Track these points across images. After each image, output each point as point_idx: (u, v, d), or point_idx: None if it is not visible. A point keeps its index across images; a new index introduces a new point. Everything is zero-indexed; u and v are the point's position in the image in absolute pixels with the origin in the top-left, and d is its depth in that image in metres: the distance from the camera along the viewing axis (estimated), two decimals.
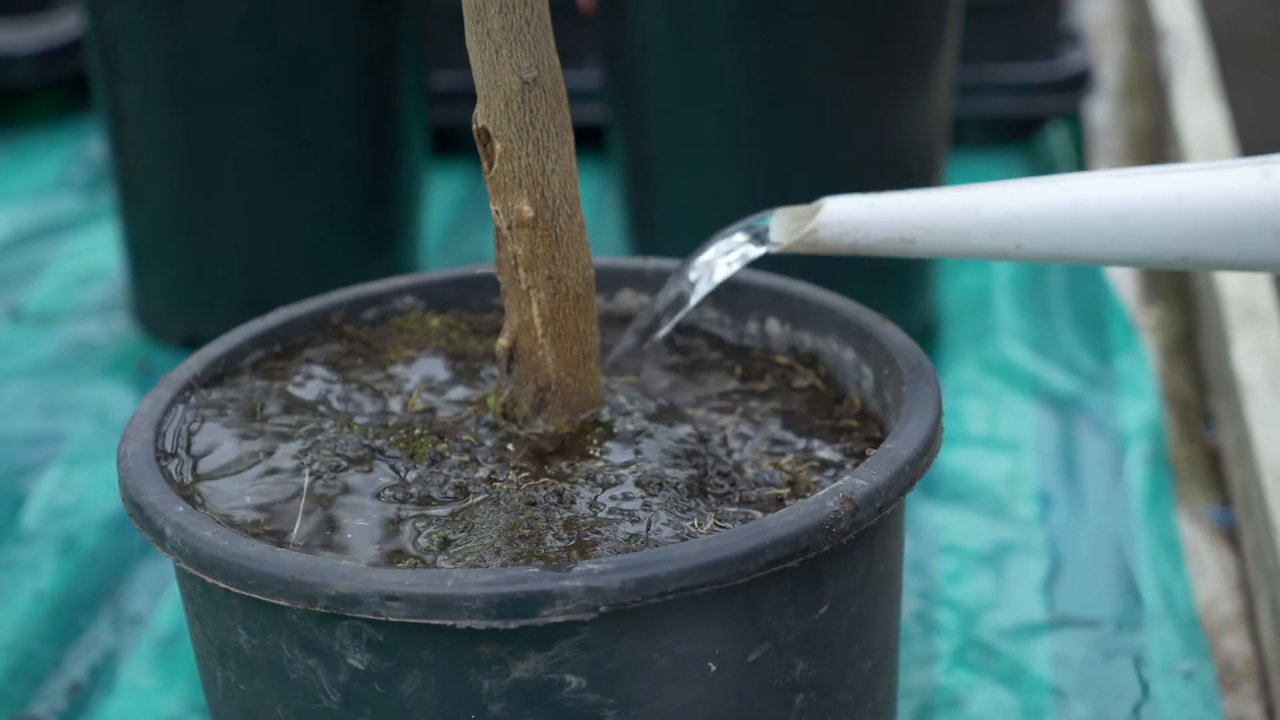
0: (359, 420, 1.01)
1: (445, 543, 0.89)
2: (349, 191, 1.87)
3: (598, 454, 0.96)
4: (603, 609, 0.81)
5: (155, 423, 0.98)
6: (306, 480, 0.95)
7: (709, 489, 0.93)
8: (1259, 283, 1.74)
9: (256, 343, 1.08)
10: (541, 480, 0.94)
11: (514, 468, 0.95)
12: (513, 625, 0.81)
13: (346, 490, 0.94)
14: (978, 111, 2.29)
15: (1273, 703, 1.34)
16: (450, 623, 0.81)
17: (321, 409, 1.02)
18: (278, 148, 1.83)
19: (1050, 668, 1.38)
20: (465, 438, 0.98)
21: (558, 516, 0.90)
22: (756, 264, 1.02)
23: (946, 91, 1.78)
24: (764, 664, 0.87)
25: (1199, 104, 2.17)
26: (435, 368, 1.07)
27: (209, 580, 0.86)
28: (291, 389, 1.04)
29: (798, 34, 1.67)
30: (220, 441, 0.99)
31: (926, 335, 1.87)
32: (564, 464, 0.95)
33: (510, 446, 0.97)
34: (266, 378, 1.05)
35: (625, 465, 0.95)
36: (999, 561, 1.52)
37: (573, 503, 0.91)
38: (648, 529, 0.89)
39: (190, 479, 0.96)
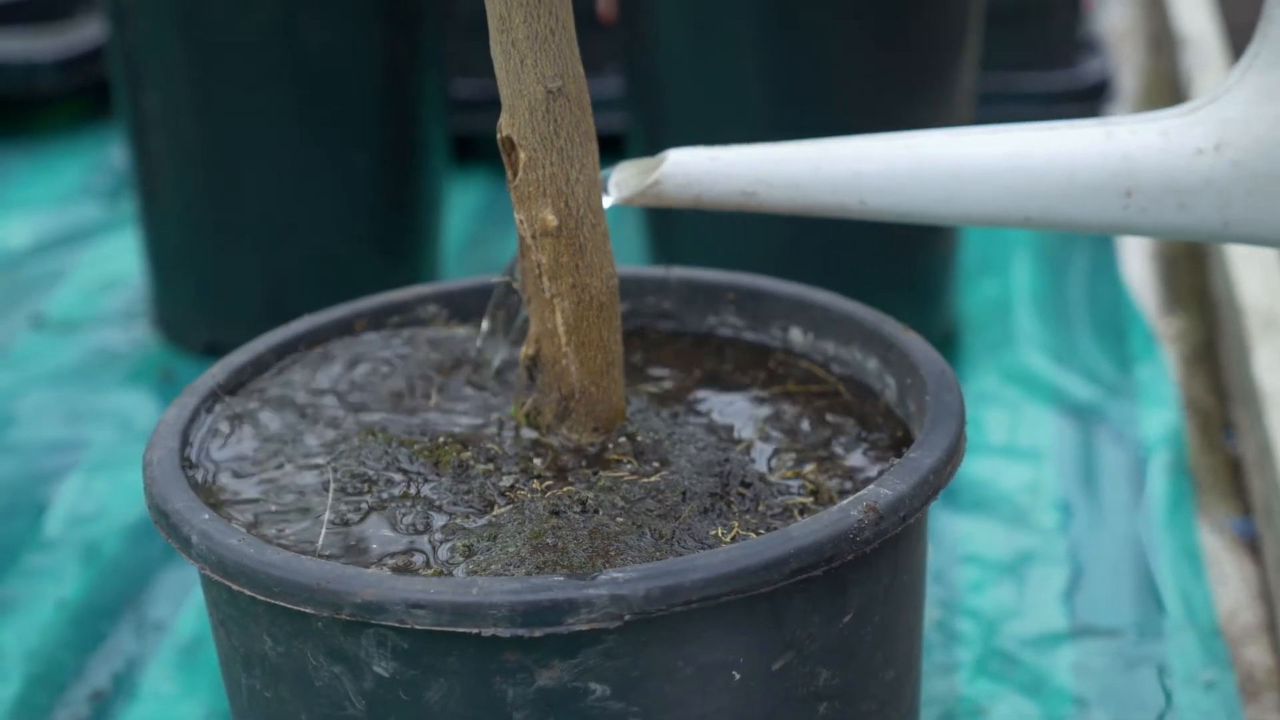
0: (383, 429, 1.01)
1: (470, 551, 0.89)
2: (370, 199, 1.88)
3: (621, 463, 0.96)
4: (627, 617, 0.82)
5: (180, 430, 0.99)
6: (331, 488, 0.95)
7: (732, 498, 0.93)
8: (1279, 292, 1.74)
9: (280, 351, 1.08)
10: (565, 489, 0.94)
11: (538, 476, 0.95)
12: (537, 633, 0.82)
13: (371, 499, 0.94)
14: (998, 120, 2.28)
15: None
16: (475, 631, 0.82)
17: (346, 417, 1.02)
18: (299, 156, 1.83)
19: (1072, 677, 1.38)
20: (489, 446, 0.98)
21: (582, 525, 0.90)
22: (776, 264, 1.01)
23: (967, 100, 1.78)
24: (788, 673, 0.87)
25: None
26: (459, 377, 1.07)
27: (234, 588, 0.87)
28: (316, 397, 1.04)
29: (819, 43, 1.67)
30: (244, 449, 0.99)
31: (947, 344, 1.87)
32: (588, 473, 0.95)
33: (534, 455, 0.97)
34: (291, 385, 1.06)
35: (649, 474, 0.95)
36: (1020, 571, 1.52)
37: (596, 511, 0.91)
38: (672, 538, 0.89)
39: (215, 486, 0.96)
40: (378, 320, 1.12)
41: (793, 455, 0.98)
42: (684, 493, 0.93)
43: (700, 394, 1.05)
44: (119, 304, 2.06)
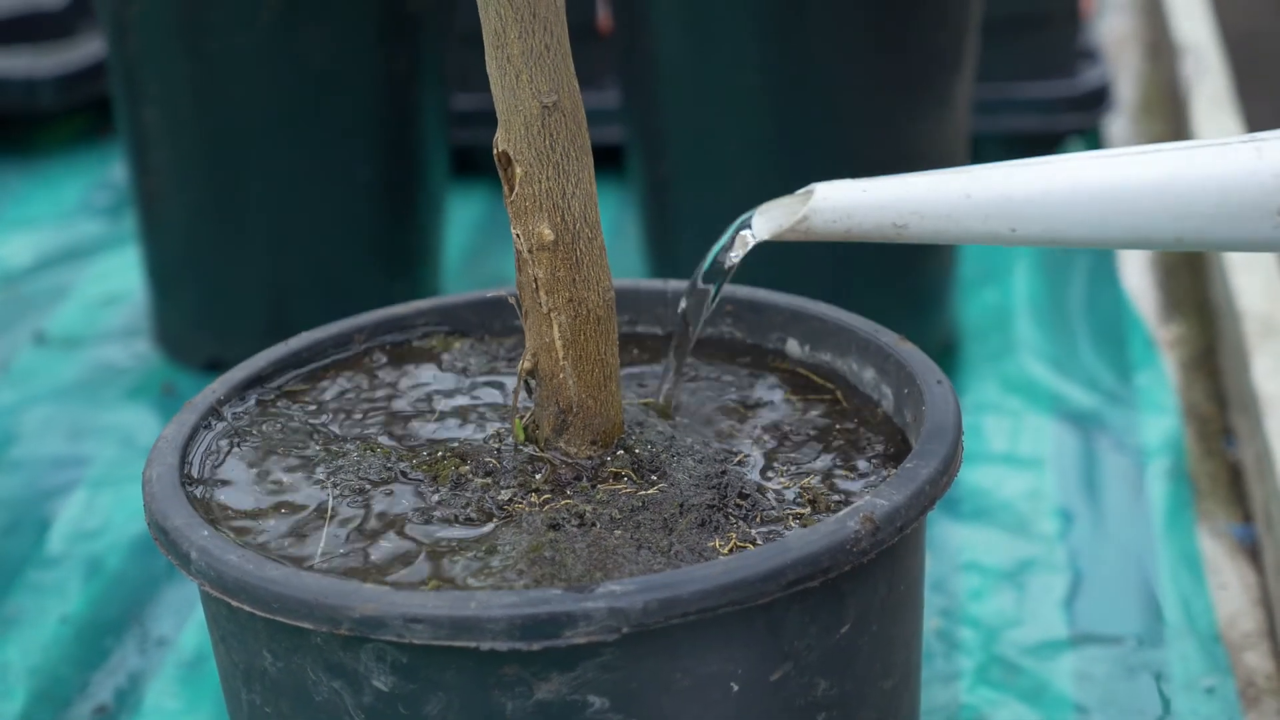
0: (382, 443, 1.01)
1: (468, 565, 0.89)
2: (371, 214, 1.88)
3: (619, 476, 0.96)
4: (625, 630, 0.82)
5: (180, 447, 0.99)
6: (330, 503, 0.95)
7: (730, 509, 0.94)
8: (1278, 299, 1.74)
9: (279, 366, 1.08)
10: (563, 502, 0.94)
11: (535, 490, 0.96)
12: (536, 647, 0.82)
13: (370, 513, 0.94)
14: (998, 129, 2.30)
15: None
16: (474, 644, 0.82)
17: (345, 432, 1.03)
18: (299, 171, 1.83)
19: (1072, 684, 1.38)
20: (487, 460, 0.98)
21: (579, 538, 0.91)
22: (777, 276, 1.00)
23: (966, 109, 1.78)
24: (786, 683, 0.88)
25: (1216, 120, 2.18)
26: (458, 390, 1.08)
27: (234, 603, 0.87)
28: (315, 412, 1.05)
29: (817, 54, 1.68)
30: (244, 465, 1.00)
31: (946, 353, 1.87)
32: (586, 486, 0.96)
33: (532, 469, 0.97)
34: (290, 401, 1.06)
35: (646, 487, 0.95)
36: (1020, 578, 1.52)
37: (594, 524, 0.92)
38: (669, 550, 0.90)
39: (214, 503, 0.96)
40: (376, 335, 1.12)
41: (790, 466, 0.98)
42: (681, 505, 0.93)
43: (697, 405, 1.05)
44: (121, 320, 2.07)
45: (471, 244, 2.23)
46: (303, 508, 0.95)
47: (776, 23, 1.67)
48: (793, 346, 1.10)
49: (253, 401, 1.06)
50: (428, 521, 0.93)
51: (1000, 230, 0.93)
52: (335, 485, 0.97)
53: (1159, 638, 1.43)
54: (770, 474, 0.98)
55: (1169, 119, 2.46)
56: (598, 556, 0.89)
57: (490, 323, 1.14)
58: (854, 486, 0.96)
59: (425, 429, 1.03)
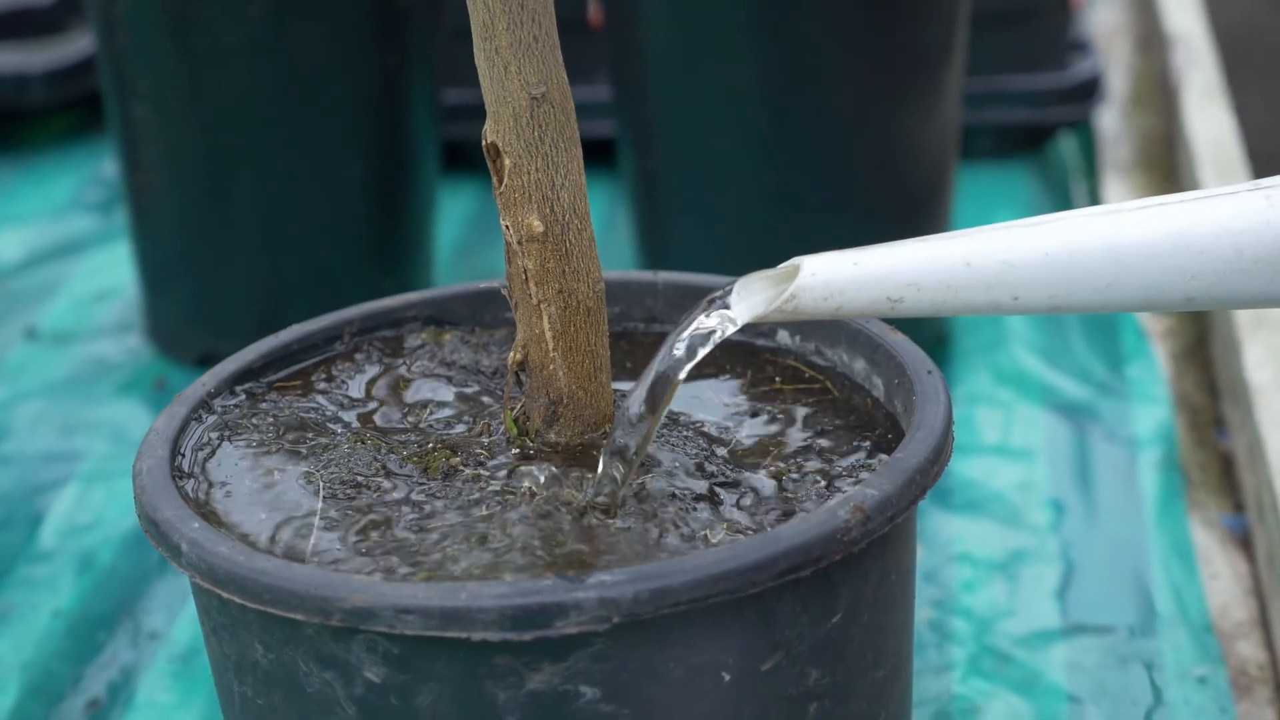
0: (372, 435, 1.01)
1: (458, 555, 0.89)
2: (362, 208, 1.88)
3: None
4: (616, 620, 0.82)
5: (170, 439, 0.99)
6: (321, 495, 0.95)
7: (720, 499, 0.94)
8: None
9: (269, 359, 1.08)
10: (554, 493, 0.94)
11: (526, 480, 0.95)
12: (527, 637, 0.82)
13: (360, 505, 0.94)
14: (988, 122, 2.30)
15: None
16: (465, 635, 0.82)
17: (335, 424, 1.03)
18: (290, 166, 1.83)
19: (1065, 674, 1.38)
20: (478, 451, 0.98)
21: (570, 528, 0.91)
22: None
23: (956, 102, 1.78)
24: (778, 673, 0.88)
25: (1208, 111, 2.18)
26: (448, 382, 1.08)
27: (225, 595, 0.87)
28: (305, 405, 1.05)
29: (806, 47, 1.68)
30: (235, 457, 1.00)
31: (938, 344, 1.87)
32: (576, 476, 0.96)
33: (522, 460, 0.98)
34: (280, 394, 1.06)
35: (637, 477, 0.95)
36: (1013, 569, 1.52)
37: (584, 514, 0.92)
38: (660, 540, 0.90)
39: (205, 495, 0.96)
40: (366, 328, 1.12)
41: (780, 456, 0.98)
42: (672, 494, 0.93)
43: (688, 395, 1.06)
44: (112, 316, 2.07)
45: (462, 238, 2.23)
46: (293, 499, 0.95)
47: (765, 15, 1.67)
48: (783, 337, 1.10)
49: (243, 394, 1.06)
50: (419, 513, 0.93)
51: (1003, 300, 0.87)
52: (326, 477, 0.97)
53: (1151, 628, 1.43)
54: (761, 463, 0.98)
55: (1160, 110, 2.46)
56: (588, 546, 0.89)
57: (481, 315, 1.14)
58: (845, 476, 0.96)
59: (416, 421, 1.03)
